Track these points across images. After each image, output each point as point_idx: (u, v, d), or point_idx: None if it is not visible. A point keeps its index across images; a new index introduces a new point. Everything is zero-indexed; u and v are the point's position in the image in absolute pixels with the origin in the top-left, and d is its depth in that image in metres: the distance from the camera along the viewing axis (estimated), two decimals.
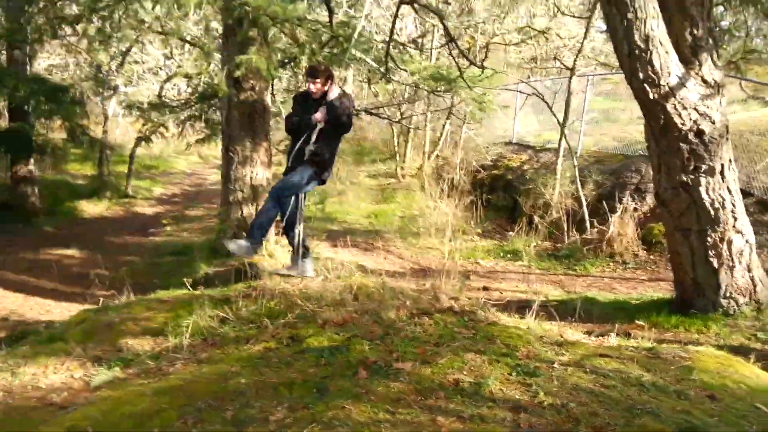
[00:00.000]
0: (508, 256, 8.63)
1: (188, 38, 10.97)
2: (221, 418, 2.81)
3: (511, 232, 9.41)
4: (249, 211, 8.51)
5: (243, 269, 7.03)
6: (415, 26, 14.52)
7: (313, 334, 3.68)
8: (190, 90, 14.82)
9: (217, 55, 12.08)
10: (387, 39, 9.51)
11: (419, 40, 14.27)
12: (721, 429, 2.66)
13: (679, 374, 3.19)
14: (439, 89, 9.55)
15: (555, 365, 3.20)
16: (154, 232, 11.18)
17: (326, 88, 4.32)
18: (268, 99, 8.73)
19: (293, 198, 4.44)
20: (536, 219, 9.04)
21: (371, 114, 12.80)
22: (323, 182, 4.63)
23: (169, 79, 13.51)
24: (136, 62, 14.42)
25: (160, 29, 9.39)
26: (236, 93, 8.03)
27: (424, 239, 9.72)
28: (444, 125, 14.06)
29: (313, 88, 4.31)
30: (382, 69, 10.45)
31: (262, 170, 8.49)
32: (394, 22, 9.42)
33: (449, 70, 9.35)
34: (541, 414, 2.70)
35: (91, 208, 12.42)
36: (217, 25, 10.31)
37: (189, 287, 5.18)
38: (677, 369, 3.25)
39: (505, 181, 11.44)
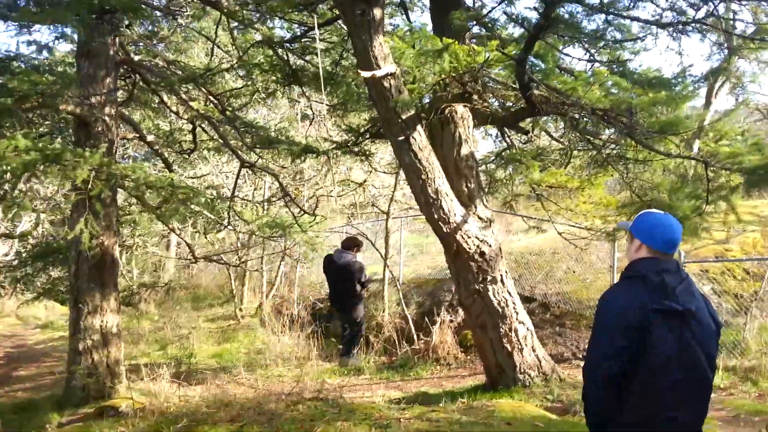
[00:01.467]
0: (352, 373, 9.81)
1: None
2: None
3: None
4: (100, 357, 8.73)
5: (102, 411, 7.37)
6: (246, 181, 16.08)
7: (209, 431, 4.55)
8: (20, 250, 14.56)
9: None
10: (229, 195, 10.91)
11: (251, 194, 15.85)
12: None
13: (486, 414, 4.64)
14: (274, 235, 10.91)
15: (401, 420, 4.47)
16: None
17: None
18: (116, 251, 9.37)
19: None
20: (371, 338, 10.46)
21: (211, 261, 13.71)
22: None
23: None
24: None
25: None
26: (85, 248, 8.61)
27: (272, 369, 10.53)
28: (279, 266, 15.34)
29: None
30: (222, 221, 11.66)
31: (112, 317, 8.90)
32: (236, 182, 10.91)
33: (282, 218, 10.82)
34: None
35: None
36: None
37: None
38: (485, 412, 4.71)
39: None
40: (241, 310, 15.41)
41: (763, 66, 11.69)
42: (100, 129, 8.31)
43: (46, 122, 8.50)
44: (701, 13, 4.88)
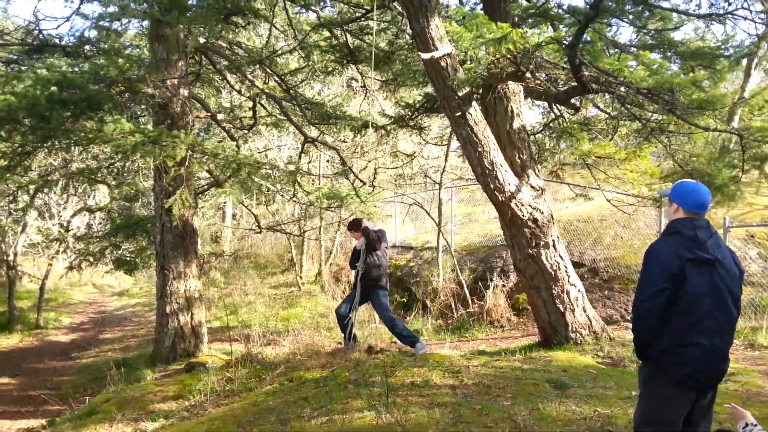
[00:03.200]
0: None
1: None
2: (268, 423, 4.32)
3: (407, 317, 11.35)
4: (185, 319, 9.63)
5: (192, 367, 8.24)
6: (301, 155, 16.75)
7: (303, 374, 5.27)
8: (100, 222, 15.75)
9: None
10: (291, 169, 11.57)
11: (306, 166, 16.56)
12: (569, 382, 4.67)
13: (544, 363, 5.21)
14: (332, 205, 11.57)
15: (469, 367, 5.08)
16: (77, 355, 11.75)
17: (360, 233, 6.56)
18: (195, 222, 10.21)
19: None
20: (428, 303, 11.12)
21: (275, 231, 14.57)
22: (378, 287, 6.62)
23: (77, 213, 14.46)
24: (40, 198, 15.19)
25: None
26: (169, 220, 9.43)
27: (335, 331, 11.31)
28: (336, 236, 16.10)
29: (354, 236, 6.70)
30: (286, 192, 12.38)
31: (194, 283, 9.79)
32: (300, 156, 11.55)
33: (338, 189, 11.45)
34: (467, 388, 4.55)
35: (3, 342, 12.65)
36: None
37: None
38: (543, 361, 5.27)
39: (396, 277, 13.54)
40: (301, 277, 16.28)
41: None
42: (177, 110, 9.08)
43: (130, 105, 9.26)
44: (734, 5, 5.18)
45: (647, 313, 2.74)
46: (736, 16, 5.27)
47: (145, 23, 11.41)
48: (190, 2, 6.83)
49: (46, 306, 15.95)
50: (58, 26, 15.86)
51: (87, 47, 10.27)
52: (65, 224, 14.95)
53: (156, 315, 9.95)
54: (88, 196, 17.58)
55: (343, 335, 6.61)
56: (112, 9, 7.33)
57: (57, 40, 10.37)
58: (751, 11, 5.16)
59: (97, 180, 9.70)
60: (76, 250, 12.65)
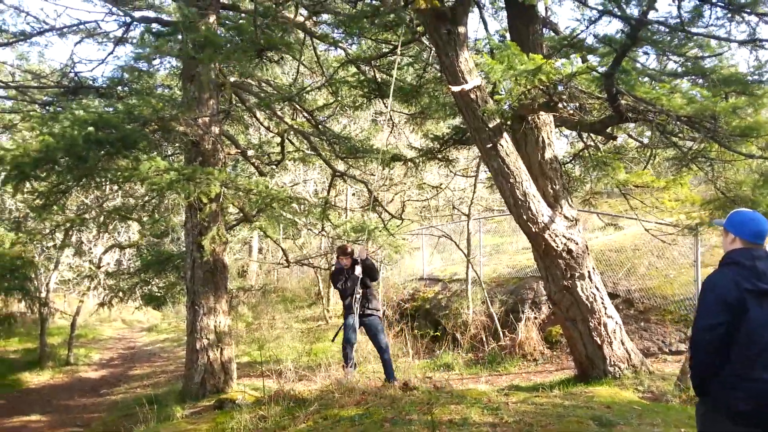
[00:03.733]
0: (441, 369, 10.31)
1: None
2: None
3: (438, 351, 11.17)
4: (215, 355, 9.62)
5: (222, 404, 8.17)
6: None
7: (338, 412, 5.17)
8: (130, 259, 15.94)
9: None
10: (322, 202, 11.63)
11: (334, 200, 16.63)
12: (614, 419, 4.50)
13: (585, 399, 5.04)
14: (360, 238, 11.55)
15: (508, 403, 4.93)
16: (106, 392, 11.76)
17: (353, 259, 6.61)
18: (226, 258, 10.27)
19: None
20: (458, 336, 10.94)
21: (302, 264, 14.59)
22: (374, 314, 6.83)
23: (108, 250, 14.67)
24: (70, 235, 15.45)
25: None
26: (200, 255, 9.50)
27: (365, 365, 11.17)
28: None
29: (345, 262, 6.65)
30: (313, 226, 12.41)
31: (223, 318, 9.79)
32: (329, 190, 11.62)
33: (366, 222, 11.45)
34: (508, 426, 4.41)
35: (34, 378, 12.75)
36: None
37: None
38: (584, 397, 5.10)
39: (424, 310, 13.38)
40: (328, 311, 16.20)
41: None
42: (209, 147, 9.22)
43: (164, 143, 9.44)
44: None
45: (706, 346, 2.64)
46: None
47: (177, 63, 11.74)
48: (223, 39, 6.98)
49: (77, 342, 16.08)
50: (93, 69, 16.31)
51: (120, 88, 10.56)
52: (96, 261, 15.15)
53: (186, 351, 9.94)
54: (119, 233, 17.87)
55: (346, 362, 6.79)
56: (146, 50, 7.52)
57: (91, 82, 10.69)
58: None
59: (131, 218, 9.84)
60: (106, 287, 12.76)
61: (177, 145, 9.48)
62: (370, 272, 6.73)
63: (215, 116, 9.51)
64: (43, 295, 14.01)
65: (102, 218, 7.94)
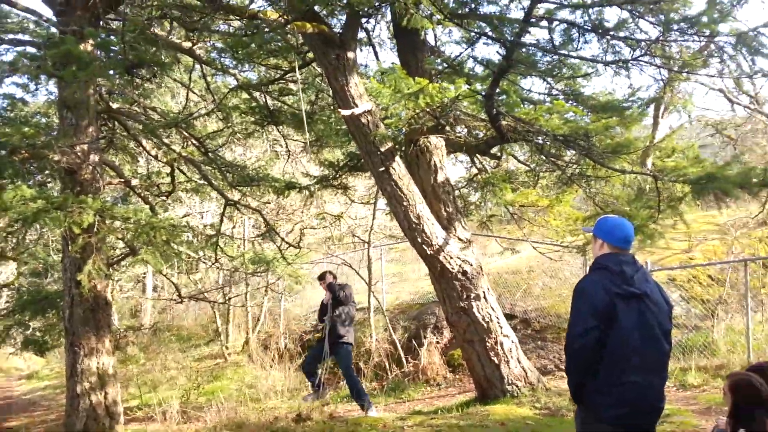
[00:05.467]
0: (344, 400, 10.05)
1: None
2: None
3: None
4: (98, 399, 8.85)
5: None
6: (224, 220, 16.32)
7: None
8: (8, 301, 14.53)
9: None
10: (211, 234, 11.17)
11: (230, 231, 16.09)
12: None
13: (481, 418, 5.01)
14: (258, 270, 11.18)
15: (404, 428, 4.81)
16: None
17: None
18: (109, 294, 9.55)
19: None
20: (361, 365, 10.74)
21: (197, 300, 13.88)
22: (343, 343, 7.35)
23: None
24: None
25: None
26: (78, 293, 8.77)
27: (265, 402, 10.69)
28: (263, 301, 15.54)
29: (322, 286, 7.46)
30: (207, 259, 11.88)
31: (107, 359, 9.05)
32: (221, 220, 11.20)
33: (265, 253, 11.12)
34: None
35: None
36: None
37: None
38: (480, 416, 5.08)
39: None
40: (227, 347, 15.49)
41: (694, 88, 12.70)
42: (86, 176, 8.59)
43: (35, 172, 8.71)
44: (637, 53, 5.53)
45: (579, 351, 2.65)
46: (641, 63, 5.59)
47: (54, 89, 10.98)
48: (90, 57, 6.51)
49: None
50: None
51: None
52: None
53: (66, 396, 9.12)
54: None
55: (309, 382, 7.52)
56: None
57: None
58: (655, 57, 5.49)
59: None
60: None
61: (49, 173, 8.78)
62: (335, 298, 7.33)
63: (94, 143, 8.90)
64: None
65: None
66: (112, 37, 5.75)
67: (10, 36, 9.71)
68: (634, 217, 5.18)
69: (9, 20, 9.19)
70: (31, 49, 9.14)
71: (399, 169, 6.59)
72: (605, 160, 5.24)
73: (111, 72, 5.09)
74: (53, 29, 6.29)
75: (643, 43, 5.38)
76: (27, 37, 9.89)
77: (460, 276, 7.12)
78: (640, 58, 5.46)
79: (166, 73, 8.70)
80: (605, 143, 4.99)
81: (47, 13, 8.78)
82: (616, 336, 2.60)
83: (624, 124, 5.09)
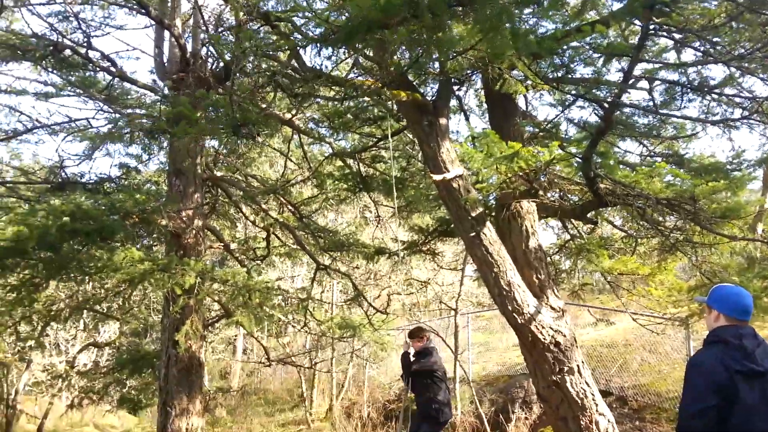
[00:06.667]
0: None
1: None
2: None
3: None
4: None
5: None
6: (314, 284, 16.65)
7: None
8: (108, 359, 15.34)
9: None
10: (304, 296, 11.38)
11: (319, 295, 16.35)
12: None
13: None
14: (345, 335, 11.21)
15: None
16: None
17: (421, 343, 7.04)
18: (202, 355, 9.85)
19: None
20: None
21: (285, 363, 14.04)
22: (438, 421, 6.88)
23: (84, 348, 14.12)
24: (47, 335, 14.93)
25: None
26: (175, 353, 9.09)
27: None
28: (348, 368, 15.49)
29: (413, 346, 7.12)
30: (297, 323, 12.07)
31: (197, 419, 9.23)
32: (312, 283, 11.42)
33: (351, 319, 11.16)
34: None
35: None
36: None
37: None
38: None
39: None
40: (311, 413, 15.47)
41: None
42: (190, 240, 9.09)
43: (143, 236, 9.32)
44: (746, 111, 5.27)
45: None
46: (751, 121, 5.32)
47: (164, 159, 11.87)
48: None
49: None
50: (79, 163, 16.41)
51: (107, 184, 10.59)
52: (71, 360, 14.57)
53: None
54: (98, 332, 17.31)
55: None
56: (120, 123, 7.58)
57: (79, 178, 10.73)
58: (765, 115, 5.21)
59: (103, 313, 9.53)
60: (78, 387, 12.15)
61: (156, 236, 9.36)
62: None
63: (199, 209, 9.47)
64: (12, 396, 13.31)
65: (71, 312, 7.62)
66: (221, 98, 6.18)
67: (128, 111, 10.71)
68: (746, 288, 4.78)
69: (129, 96, 10.12)
70: (146, 122, 10.06)
71: (490, 234, 6.50)
72: (713, 226, 4.94)
73: (219, 128, 5.44)
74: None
75: (752, 101, 5.14)
76: (141, 111, 10.88)
77: (552, 347, 6.80)
78: (749, 117, 5.19)
79: (268, 138, 9.20)
80: (713, 207, 4.72)
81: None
82: (737, 419, 2.34)
83: (732, 188, 4.82)
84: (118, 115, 10.51)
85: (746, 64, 4.97)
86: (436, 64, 6.68)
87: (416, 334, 7.39)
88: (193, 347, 9.13)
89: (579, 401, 6.86)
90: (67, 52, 8.94)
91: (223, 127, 5.49)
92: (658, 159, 6.20)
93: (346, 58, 8.03)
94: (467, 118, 8.44)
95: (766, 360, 2.46)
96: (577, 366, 6.97)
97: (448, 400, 7.16)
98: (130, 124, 7.30)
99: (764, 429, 2.32)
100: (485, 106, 7.70)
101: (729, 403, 2.33)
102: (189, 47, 9.35)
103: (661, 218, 5.65)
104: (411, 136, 8.93)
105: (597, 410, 6.95)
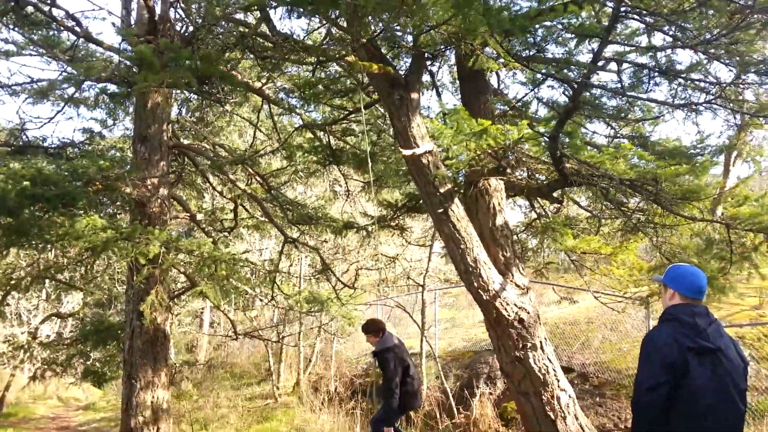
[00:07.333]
0: None
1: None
2: None
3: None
4: None
5: None
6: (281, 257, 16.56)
7: None
8: (72, 331, 15.10)
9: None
10: (272, 269, 11.32)
11: (287, 269, 16.28)
12: None
13: None
14: (312, 310, 11.21)
15: None
16: None
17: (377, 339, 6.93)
18: (168, 327, 9.74)
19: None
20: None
21: (252, 337, 14.00)
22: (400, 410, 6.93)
23: (46, 319, 13.86)
24: (8, 304, 14.60)
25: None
26: (139, 324, 8.96)
27: None
28: (315, 342, 15.54)
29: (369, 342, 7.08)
30: (264, 296, 12.01)
31: (162, 392, 9.15)
32: (279, 257, 11.35)
33: (320, 293, 11.15)
34: None
35: None
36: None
37: None
38: None
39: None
40: (278, 387, 15.50)
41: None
42: (155, 209, 8.93)
43: (107, 203, 9.12)
44: (710, 96, 5.35)
45: (648, 407, 2.46)
46: (714, 106, 5.41)
47: (130, 125, 11.58)
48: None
49: (5, 422, 14.93)
50: (41, 126, 15.97)
51: (70, 149, 10.30)
52: (33, 331, 14.30)
53: (120, 430, 9.23)
54: (61, 303, 17.01)
55: None
56: (76, 71, 7.33)
57: (40, 142, 10.41)
58: (729, 101, 5.30)
59: (65, 282, 9.34)
60: (41, 359, 11.95)
61: (120, 204, 9.16)
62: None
63: (165, 178, 9.29)
64: None
65: (32, 281, 7.43)
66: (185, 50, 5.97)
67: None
68: (703, 269, 4.90)
69: (94, 59, 9.80)
70: (111, 86, 9.77)
71: (457, 210, 6.53)
72: (674, 207, 5.03)
73: (181, 79, 5.26)
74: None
75: (716, 87, 5.21)
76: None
77: (516, 324, 6.90)
78: (713, 102, 5.27)
79: (237, 106, 9.00)
80: (674, 189, 4.80)
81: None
82: (687, 394, 2.41)
83: (694, 172, 4.90)
84: (81, 77, 10.21)
85: (712, 50, 5.03)
86: (409, 38, 6.61)
87: (370, 329, 7.07)
88: (158, 319, 9.01)
89: (541, 377, 7.00)
90: (30, 9, 8.57)
91: (186, 79, 5.31)
92: (625, 141, 6.27)
93: (318, 28, 7.89)
94: (439, 95, 8.43)
95: (718, 338, 2.54)
96: (540, 342, 7.10)
97: (415, 390, 7.21)
98: (87, 71, 7.00)
99: (712, 403, 2.40)
100: (458, 83, 7.66)
101: (680, 378, 2.40)
102: (158, 9, 9.06)
103: (624, 199, 5.73)
104: (382, 110, 8.86)
105: (558, 386, 7.10)
